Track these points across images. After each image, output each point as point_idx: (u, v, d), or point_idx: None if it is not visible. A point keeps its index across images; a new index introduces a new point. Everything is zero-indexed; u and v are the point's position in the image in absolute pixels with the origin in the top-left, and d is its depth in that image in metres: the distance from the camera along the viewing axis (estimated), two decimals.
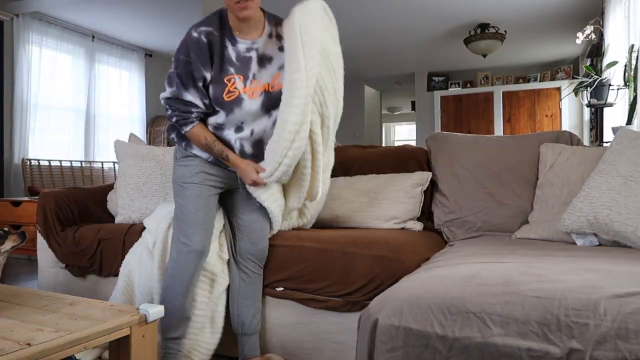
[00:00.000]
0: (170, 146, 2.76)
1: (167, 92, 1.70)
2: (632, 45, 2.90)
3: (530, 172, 2.17)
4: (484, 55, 5.75)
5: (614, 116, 3.50)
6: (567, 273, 1.23)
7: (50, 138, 5.33)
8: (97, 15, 5.30)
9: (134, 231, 2.19)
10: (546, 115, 6.96)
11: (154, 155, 2.53)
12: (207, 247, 1.78)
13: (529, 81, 7.18)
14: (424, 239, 2.05)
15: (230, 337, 1.92)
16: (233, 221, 1.90)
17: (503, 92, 7.19)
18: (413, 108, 9.02)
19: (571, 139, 2.23)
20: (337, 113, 1.85)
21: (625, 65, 3.02)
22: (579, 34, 3.77)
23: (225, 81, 1.69)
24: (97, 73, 5.89)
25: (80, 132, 5.66)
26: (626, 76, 3.01)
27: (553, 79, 7.00)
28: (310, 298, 1.84)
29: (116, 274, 2.15)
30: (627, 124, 2.83)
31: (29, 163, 4.90)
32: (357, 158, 2.46)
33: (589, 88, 3.19)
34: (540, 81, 7.08)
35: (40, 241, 2.43)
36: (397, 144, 12.03)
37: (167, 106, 1.73)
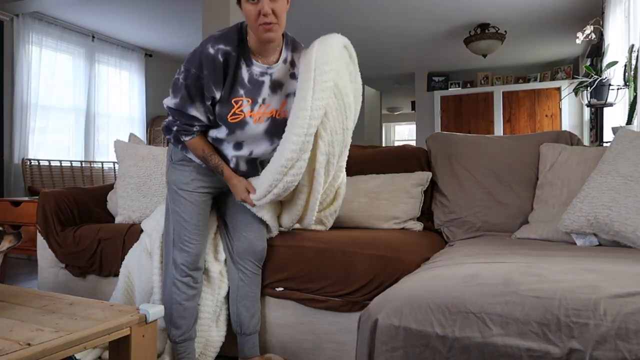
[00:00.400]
0: None
1: (172, 102, 1.64)
2: (632, 45, 2.90)
3: (530, 172, 2.17)
4: (484, 55, 5.75)
5: (614, 116, 3.50)
6: (567, 273, 1.23)
7: (50, 138, 5.33)
8: (97, 15, 5.30)
9: (134, 231, 2.19)
10: (546, 115, 6.96)
11: (154, 155, 2.53)
12: (203, 251, 1.81)
13: (529, 81, 7.18)
14: (424, 239, 2.05)
15: (230, 337, 1.92)
16: (228, 222, 1.90)
17: (503, 92, 7.18)
18: (413, 108, 9.02)
19: (571, 139, 2.23)
20: (344, 148, 1.82)
21: (625, 65, 3.02)
22: (579, 34, 3.77)
23: (233, 102, 1.64)
24: (97, 73, 5.89)
25: (80, 132, 5.66)
26: (626, 76, 3.01)
27: (553, 79, 7.00)
28: (310, 298, 1.84)
29: (116, 274, 2.15)
30: (627, 124, 2.82)
31: (29, 163, 4.90)
32: (357, 158, 2.46)
33: (589, 88, 3.19)
34: (540, 81, 7.08)
35: (40, 241, 2.43)
36: (397, 144, 12.03)
37: (170, 115, 1.70)
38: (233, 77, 1.61)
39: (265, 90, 1.67)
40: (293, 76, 1.71)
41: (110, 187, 2.72)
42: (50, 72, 5.31)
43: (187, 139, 1.71)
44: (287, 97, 1.72)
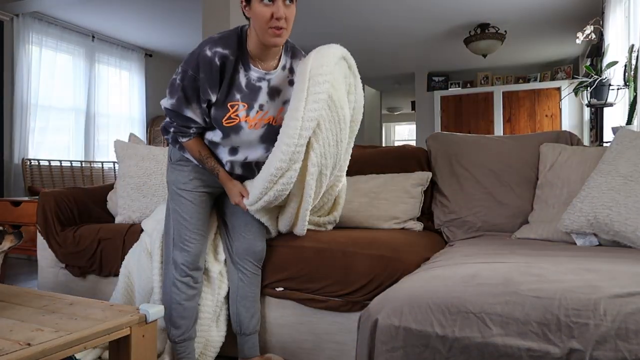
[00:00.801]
0: None
1: (168, 103, 1.64)
2: (632, 45, 2.90)
3: (530, 172, 2.17)
4: (484, 55, 5.75)
5: (614, 116, 3.50)
6: (567, 273, 1.23)
7: (50, 138, 5.33)
8: (97, 15, 5.30)
9: (134, 231, 2.19)
10: (546, 115, 6.96)
11: (154, 155, 2.53)
12: (203, 251, 1.81)
13: (529, 81, 7.18)
14: (424, 239, 2.04)
15: (230, 337, 1.92)
16: (228, 222, 1.90)
17: (503, 92, 7.18)
18: (413, 108, 9.02)
19: (571, 139, 2.23)
20: (339, 160, 1.82)
21: (625, 65, 3.02)
22: (579, 34, 3.77)
23: (229, 106, 1.63)
24: (97, 73, 5.89)
25: (80, 132, 5.66)
26: (626, 76, 3.01)
27: (553, 79, 7.00)
28: (310, 298, 1.84)
29: (116, 274, 2.15)
30: (627, 124, 2.83)
31: (29, 163, 4.90)
32: (357, 158, 2.45)
33: (589, 88, 3.19)
34: (540, 81, 7.08)
35: (40, 241, 2.43)
36: (397, 144, 12.03)
37: (167, 116, 1.70)
38: (230, 81, 1.61)
39: (263, 97, 1.66)
40: (291, 83, 1.71)
41: (110, 187, 2.72)
42: (50, 72, 5.31)
43: (184, 140, 1.72)
44: (284, 104, 1.71)
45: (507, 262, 1.40)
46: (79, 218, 2.49)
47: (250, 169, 1.78)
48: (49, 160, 5.10)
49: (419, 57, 7.06)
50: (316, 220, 2.05)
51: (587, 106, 3.57)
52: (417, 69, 7.82)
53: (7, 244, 1.45)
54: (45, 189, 2.44)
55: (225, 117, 1.64)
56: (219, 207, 1.93)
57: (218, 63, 1.56)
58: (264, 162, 1.71)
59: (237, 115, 1.64)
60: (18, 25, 4.96)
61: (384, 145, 9.85)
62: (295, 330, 1.89)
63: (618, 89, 3.13)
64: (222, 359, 1.94)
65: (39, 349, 1.05)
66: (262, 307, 1.93)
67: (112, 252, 2.21)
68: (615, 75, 3.36)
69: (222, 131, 1.68)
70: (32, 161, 4.95)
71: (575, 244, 1.77)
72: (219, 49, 1.56)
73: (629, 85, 2.96)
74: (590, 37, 3.75)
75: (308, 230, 2.00)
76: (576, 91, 3.39)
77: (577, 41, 3.84)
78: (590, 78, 3.20)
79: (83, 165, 5.50)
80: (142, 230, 2.08)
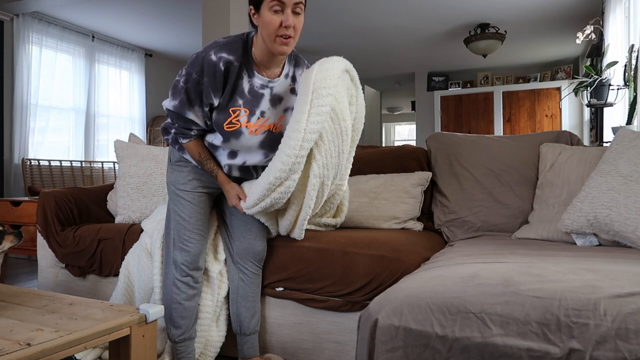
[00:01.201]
0: None
1: (170, 104, 1.64)
2: (632, 45, 2.90)
3: (530, 172, 2.17)
4: (484, 55, 5.75)
5: (614, 116, 3.50)
6: (567, 273, 1.23)
7: (50, 138, 5.33)
8: (97, 15, 5.30)
9: (134, 231, 2.19)
10: (546, 115, 6.96)
11: (154, 155, 2.53)
12: (204, 251, 1.81)
13: (529, 81, 7.18)
14: (424, 239, 2.04)
15: (230, 337, 1.92)
16: (228, 222, 1.90)
17: (503, 92, 7.19)
18: (413, 108, 9.02)
19: (571, 139, 2.23)
20: (341, 169, 1.83)
21: (625, 65, 3.02)
22: (579, 34, 3.77)
23: (230, 111, 1.64)
24: (97, 73, 5.89)
25: (80, 132, 5.66)
26: (626, 76, 3.01)
27: (553, 79, 7.00)
28: (310, 298, 1.84)
29: (116, 274, 2.15)
30: (627, 124, 2.83)
31: (29, 163, 4.90)
32: (357, 158, 2.46)
33: (589, 88, 3.19)
34: (540, 81, 7.08)
35: (40, 241, 2.43)
36: (397, 144, 12.04)
37: (168, 117, 1.71)
38: (233, 86, 1.61)
39: (265, 104, 1.67)
40: (293, 91, 1.72)
41: (110, 187, 2.72)
42: (50, 72, 5.31)
43: (184, 141, 1.73)
44: (285, 112, 1.72)
45: (507, 262, 1.40)
46: (79, 218, 2.49)
47: (249, 172, 1.79)
48: (49, 160, 5.10)
49: (419, 57, 7.06)
50: (317, 221, 2.05)
51: (587, 106, 3.57)
52: (417, 69, 7.82)
53: (7, 244, 1.45)
54: (45, 189, 2.44)
55: (227, 122, 1.64)
56: (218, 207, 1.94)
57: (222, 68, 1.56)
58: (262, 166, 1.72)
59: (238, 121, 1.65)
60: (18, 25, 4.96)
61: (384, 145, 9.85)
62: (295, 330, 1.89)
63: (618, 89, 3.13)
64: (222, 359, 1.94)
65: (39, 349, 1.05)
66: (262, 307, 1.93)
67: (112, 252, 2.21)
68: (615, 75, 3.36)
69: (222, 135, 1.68)
70: (32, 161, 4.95)
71: (575, 244, 1.77)
72: (224, 55, 1.57)
73: (628, 85, 2.96)
74: (590, 37, 3.75)
75: (308, 230, 2.00)
76: (576, 91, 3.39)
77: (577, 41, 3.84)
78: (590, 78, 3.20)
79: (83, 165, 5.50)
80: (142, 231, 2.08)
